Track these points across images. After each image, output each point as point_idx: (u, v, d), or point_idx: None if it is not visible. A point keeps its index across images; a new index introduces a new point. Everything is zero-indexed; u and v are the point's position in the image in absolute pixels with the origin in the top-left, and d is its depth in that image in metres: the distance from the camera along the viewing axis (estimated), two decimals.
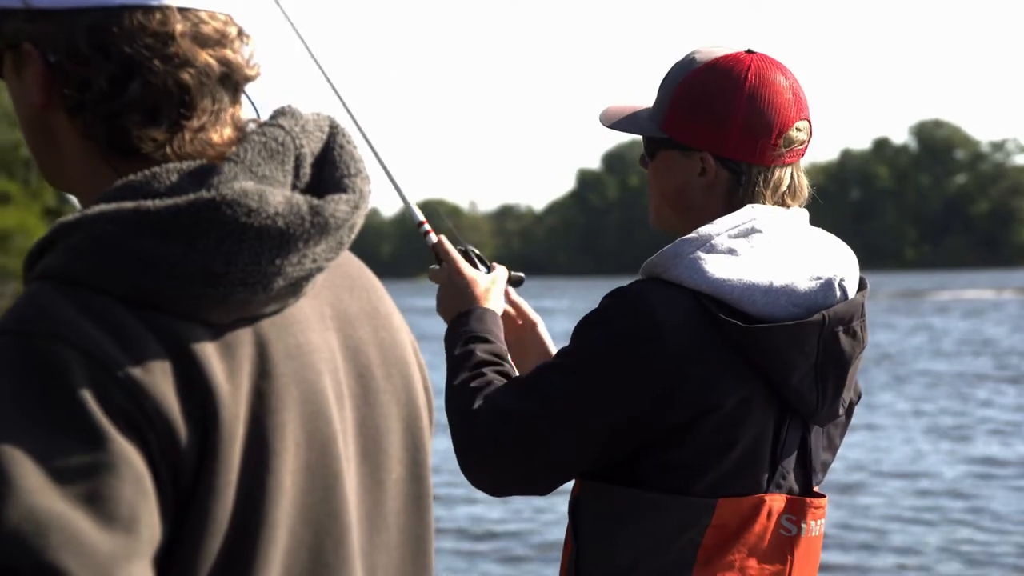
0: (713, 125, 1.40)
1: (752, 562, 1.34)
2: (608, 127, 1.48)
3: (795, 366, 1.33)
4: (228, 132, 0.87)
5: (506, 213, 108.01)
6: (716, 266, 1.33)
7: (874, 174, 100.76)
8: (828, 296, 1.34)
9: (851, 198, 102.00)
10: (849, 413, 1.48)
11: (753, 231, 1.37)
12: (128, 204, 0.79)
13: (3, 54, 0.87)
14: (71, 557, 0.69)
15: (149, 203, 0.79)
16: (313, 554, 0.83)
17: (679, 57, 1.47)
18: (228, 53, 0.87)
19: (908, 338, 22.34)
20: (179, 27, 0.85)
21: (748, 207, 1.39)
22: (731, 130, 1.39)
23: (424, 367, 0.96)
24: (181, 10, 0.85)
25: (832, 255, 1.40)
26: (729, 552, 1.34)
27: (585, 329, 1.37)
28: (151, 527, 0.74)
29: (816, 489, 1.42)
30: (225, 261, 0.79)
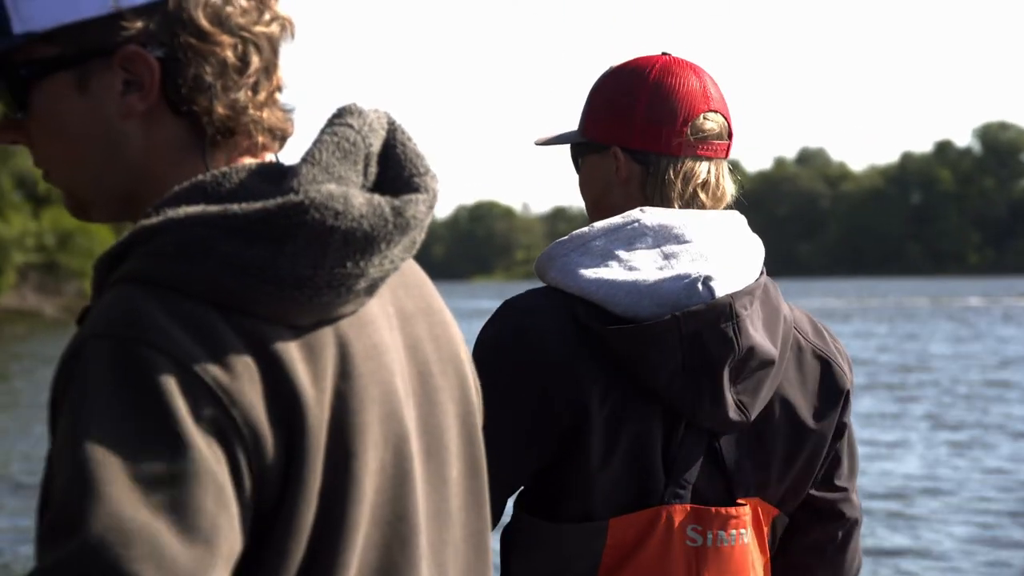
0: (618, 117, 1.39)
1: (655, 575, 1.32)
2: (537, 145, 1.49)
3: (656, 366, 1.30)
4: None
5: (559, 215, 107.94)
6: (586, 267, 1.32)
7: (936, 177, 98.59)
8: (691, 296, 1.30)
9: (912, 202, 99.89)
10: (796, 424, 1.39)
11: (636, 233, 1.34)
12: (214, 207, 0.78)
13: (47, 78, 0.83)
14: (152, 569, 0.69)
15: (236, 206, 0.77)
16: (382, 553, 0.82)
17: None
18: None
19: None
20: None
21: (636, 209, 1.36)
22: (635, 119, 1.38)
23: (473, 364, 0.96)
24: None
25: (717, 255, 1.34)
26: (629, 568, 1.32)
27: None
28: (229, 540, 0.73)
29: (744, 500, 1.37)
30: (312, 264, 0.77)
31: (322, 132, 0.83)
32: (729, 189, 1.42)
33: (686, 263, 1.34)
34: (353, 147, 0.82)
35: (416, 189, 0.83)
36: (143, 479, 0.71)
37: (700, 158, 1.39)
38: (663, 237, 1.35)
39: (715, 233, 1.37)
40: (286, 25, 0.86)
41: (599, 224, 1.36)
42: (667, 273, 1.32)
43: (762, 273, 1.39)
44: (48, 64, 0.82)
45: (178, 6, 0.81)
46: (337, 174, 0.80)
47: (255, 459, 0.76)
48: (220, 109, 0.83)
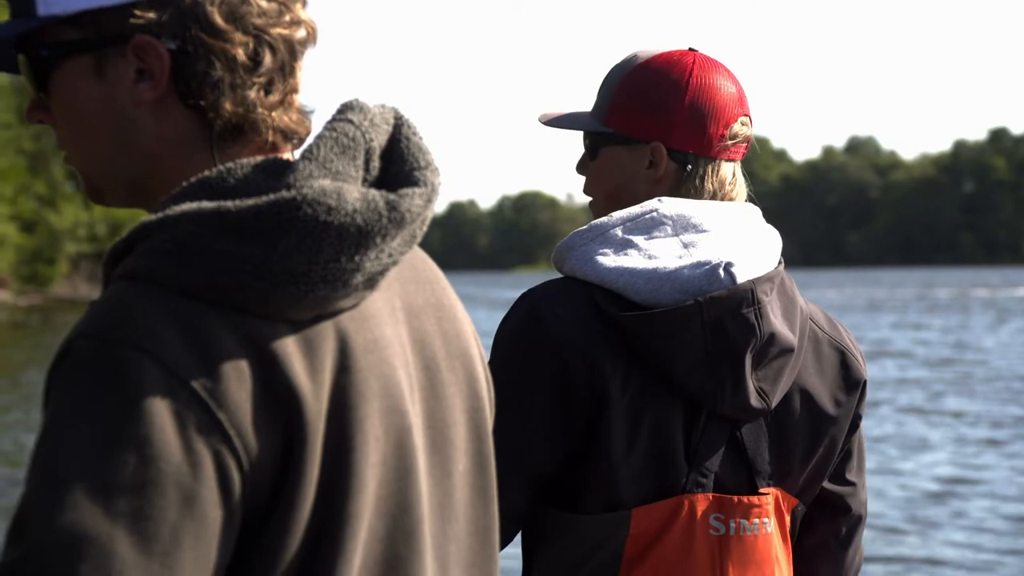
0: (660, 115, 1.39)
1: (678, 565, 1.32)
2: (545, 124, 1.47)
3: (677, 353, 1.30)
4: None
5: None
6: (606, 256, 1.33)
7: (990, 165, 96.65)
8: (712, 282, 1.30)
9: (964, 191, 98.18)
10: (816, 412, 1.40)
11: (654, 222, 1.35)
12: (209, 204, 0.79)
13: (67, 60, 0.85)
14: None
15: (230, 203, 0.78)
16: (386, 546, 0.83)
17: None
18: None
19: None
20: None
21: (654, 199, 1.36)
22: (678, 119, 1.39)
23: (485, 359, 0.96)
24: None
25: (736, 243, 1.35)
26: (652, 558, 1.32)
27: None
28: (195, 550, 0.74)
29: (764, 490, 1.36)
30: (306, 260, 0.78)
31: (323, 127, 0.84)
32: (745, 183, 1.44)
33: (705, 250, 1.34)
34: (352, 142, 0.83)
35: (414, 183, 0.84)
36: (105, 486, 0.72)
37: (729, 161, 1.42)
38: (681, 226, 1.35)
39: (733, 222, 1.38)
40: (308, 30, 0.86)
41: (617, 214, 1.36)
42: (687, 260, 1.32)
43: (780, 263, 1.39)
44: (68, 47, 0.85)
45: (194, 1, 0.83)
46: (334, 169, 0.81)
47: (246, 459, 0.76)
48: (228, 105, 0.83)
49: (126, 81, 0.84)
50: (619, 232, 1.34)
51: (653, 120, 1.40)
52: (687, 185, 1.40)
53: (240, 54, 0.83)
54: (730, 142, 1.41)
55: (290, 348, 0.79)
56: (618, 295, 1.32)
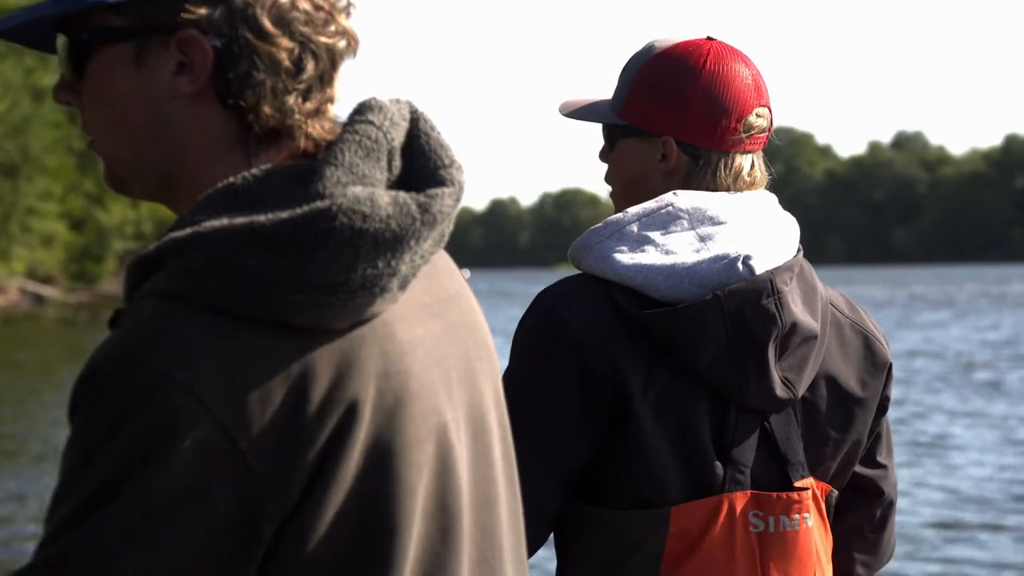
0: (671, 107, 1.38)
1: (720, 564, 1.32)
2: (566, 116, 1.47)
3: (700, 348, 1.30)
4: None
5: None
6: (623, 253, 1.33)
7: None
8: (731, 275, 1.31)
9: (1016, 186, 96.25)
10: (844, 398, 1.39)
11: (670, 216, 1.35)
12: (241, 219, 0.78)
13: (108, 46, 0.85)
14: None
15: (262, 217, 0.77)
16: (426, 544, 0.83)
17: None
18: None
19: None
20: (341, 2, 0.86)
21: (669, 193, 1.36)
22: (690, 112, 1.38)
23: (494, 347, 0.97)
24: None
25: (754, 234, 1.35)
26: (694, 558, 1.32)
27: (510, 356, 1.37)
28: None
29: (801, 483, 1.35)
30: (344, 269, 0.78)
31: (343, 131, 0.83)
32: (765, 172, 1.43)
33: (723, 243, 1.33)
34: (376, 144, 0.82)
35: (442, 182, 0.83)
36: (120, 515, 0.73)
37: (745, 152, 1.40)
38: (698, 219, 1.35)
39: (749, 213, 1.37)
40: (350, 40, 0.86)
41: (633, 209, 1.35)
42: (704, 255, 1.32)
43: (799, 251, 1.38)
44: (111, 33, 0.84)
45: (244, 2, 0.83)
46: (361, 173, 0.80)
47: (272, 495, 0.76)
48: (266, 108, 0.83)
49: (166, 73, 0.84)
50: (635, 228, 1.34)
51: (665, 113, 1.38)
52: (699, 179, 1.38)
53: (284, 59, 0.83)
54: (745, 135, 1.39)
55: (330, 359, 0.79)
56: (637, 292, 1.31)
